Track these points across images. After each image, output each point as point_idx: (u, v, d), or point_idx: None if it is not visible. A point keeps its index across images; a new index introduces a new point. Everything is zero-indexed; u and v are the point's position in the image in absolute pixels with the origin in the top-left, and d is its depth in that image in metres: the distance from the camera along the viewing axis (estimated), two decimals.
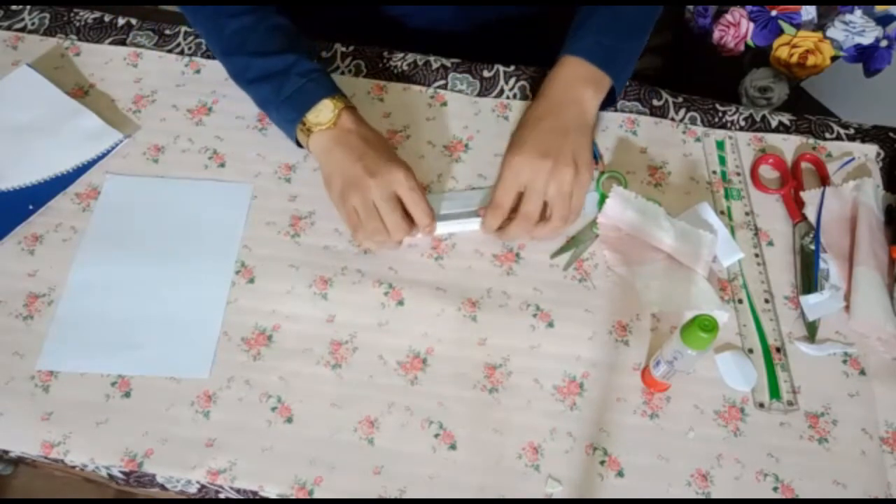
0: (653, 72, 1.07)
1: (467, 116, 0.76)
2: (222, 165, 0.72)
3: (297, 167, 0.72)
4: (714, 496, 0.59)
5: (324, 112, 0.65)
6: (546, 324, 0.65)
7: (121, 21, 0.80)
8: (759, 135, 0.76)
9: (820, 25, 0.85)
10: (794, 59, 0.85)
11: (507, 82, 0.78)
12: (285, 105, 0.66)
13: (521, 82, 0.78)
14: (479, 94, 0.77)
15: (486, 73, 0.78)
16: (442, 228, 0.68)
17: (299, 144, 0.69)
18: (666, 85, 0.78)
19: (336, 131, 0.65)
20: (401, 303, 0.65)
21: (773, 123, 0.77)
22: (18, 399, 0.60)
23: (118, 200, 0.69)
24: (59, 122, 0.72)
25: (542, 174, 0.64)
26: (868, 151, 0.75)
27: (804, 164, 0.74)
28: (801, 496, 0.59)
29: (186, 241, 0.67)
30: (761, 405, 0.62)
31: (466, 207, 0.69)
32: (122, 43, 0.78)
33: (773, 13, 0.85)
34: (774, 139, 0.76)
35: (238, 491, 0.59)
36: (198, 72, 0.77)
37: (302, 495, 0.58)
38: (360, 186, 0.63)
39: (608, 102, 0.72)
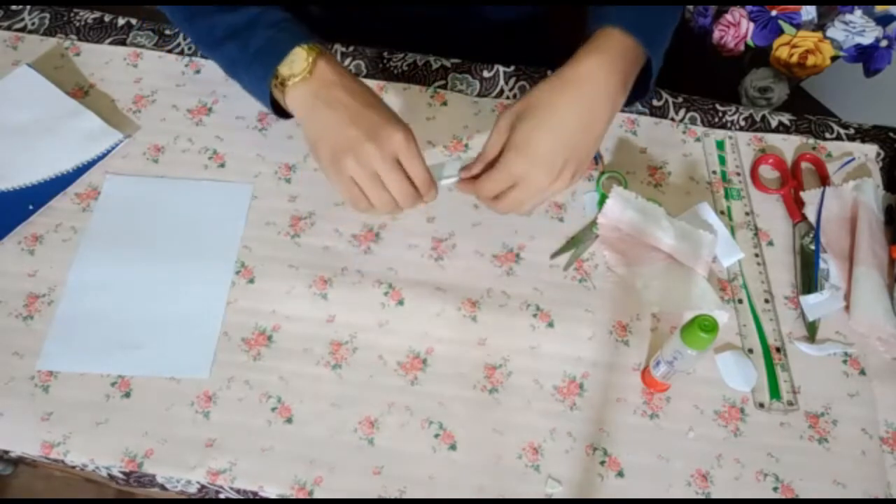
0: None
1: (467, 116, 0.76)
2: (222, 165, 0.72)
3: (297, 167, 0.72)
4: (714, 496, 0.59)
5: (297, 62, 0.58)
6: (546, 324, 0.65)
7: (121, 21, 0.80)
8: (759, 135, 0.76)
9: (820, 25, 0.85)
10: (794, 59, 0.86)
11: (507, 82, 0.78)
12: (255, 62, 0.59)
13: (521, 82, 0.78)
14: (479, 95, 0.77)
15: (486, 73, 0.78)
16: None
17: (278, 112, 0.63)
18: (666, 85, 0.78)
19: (314, 83, 0.58)
20: (401, 303, 0.65)
21: (773, 123, 0.77)
22: (18, 399, 0.60)
23: (118, 200, 0.69)
24: (59, 122, 0.72)
25: (536, 189, 0.58)
26: (868, 151, 0.75)
27: (804, 164, 0.74)
28: (801, 496, 0.59)
29: (186, 241, 0.67)
30: (761, 405, 0.62)
31: (451, 172, 0.64)
32: (122, 43, 0.78)
33: (773, 13, 0.85)
34: (774, 139, 0.76)
35: (238, 491, 0.59)
36: (198, 72, 0.77)
37: (302, 495, 0.58)
38: (357, 153, 0.55)
39: (642, 90, 0.63)
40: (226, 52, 0.62)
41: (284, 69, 0.58)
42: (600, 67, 0.58)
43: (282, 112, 0.64)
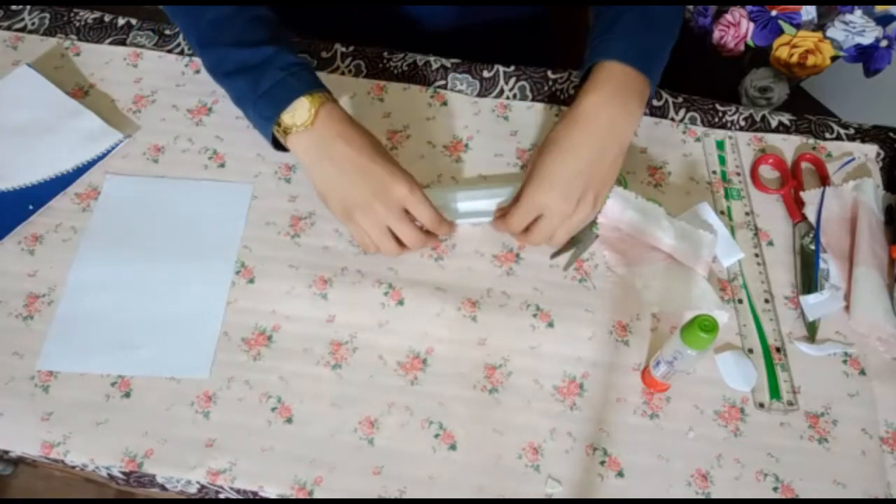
0: None
1: (467, 116, 0.76)
2: (222, 165, 0.72)
3: (297, 167, 0.72)
4: (714, 496, 0.59)
5: (299, 112, 0.60)
6: (546, 324, 0.65)
7: (121, 21, 0.80)
8: (759, 135, 0.76)
9: (820, 25, 0.85)
10: (794, 59, 0.86)
11: (507, 82, 0.78)
12: (262, 101, 0.61)
13: (521, 82, 0.78)
14: (479, 94, 0.77)
15: (486, 73, 0.78)
16: (459, 221, 0.68)
17: (278, 146, 0.65)
18: (666, 85, 0.78)
19: (316, 134, 0.61)
20: (401, 303, 0.65)
21: (773, 123, 0.77)
22: (18, 399, 0.60)
23: (118, 200, 0.69)
24: (59, 122, 0.72)
25: (560, 216, 0.62)
26: (868, 151, 0.75)
27: (804, 164, 0.74)
28: (801, 496, 0.59)
29: (186, 241, 0.67)
30: (761, 405, 0.62)
31: (483, 204, 0.69)
32: (122, 43, 0.78)
33: (773, 13, 0.85)
34: (774, 139, 0.76)
35: (238, 491, 0.59)
36: (198, 72, 0.77)
37: (302, 495, 0.58)
38: (366, 211, 0.60)
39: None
40: (237, 86, 0.64)
41: (287, 118, 0.61)
42: (603, 105, 0.62)
43: (279, 146, 0.65)
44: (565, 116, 0.64)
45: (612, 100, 0.62)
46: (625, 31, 0.64)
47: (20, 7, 0.80)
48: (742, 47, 0.88)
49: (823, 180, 0.73)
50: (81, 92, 0.75)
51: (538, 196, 0.62)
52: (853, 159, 0.74)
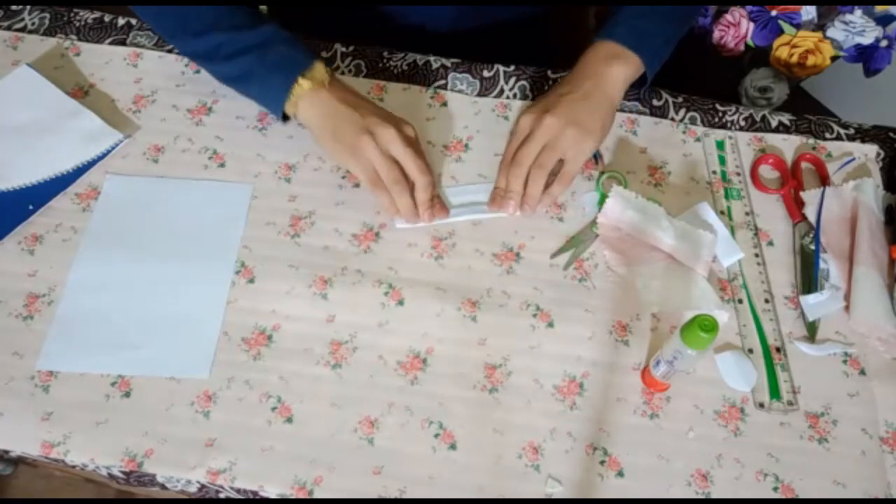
0: None
1: (467, 116, 0.76)
2: (222, 165, 0.72)
3: (297, 167, 0.72)
4: (714, 496, 0.59)
5: (318, 70, 0.66)
6: (546, 324, 0.65)
7: (121, 21, 0.80)
8: (759, 135, 0.76)
9: (820, 25, 0.85)
10: (794, 59, 0.86)
11: (507, 82, 0.78)
12: (274, 72, 0.66)
13: (521, 82, 0.78)
14: (479, 94, 0.77)
15: (486, 73, 0.78)
16: (454, 216, 0.69)
17: (281, 116, 0.68)
18: (666, 85, 0.78)
19: (326, 95, 0.66)
20: (401, 303, 0.65)
21: (773, 123, 0.77)
22: (18, 399, 0.60)
23: (118, 200, 0.69)
24: (59, 122, 0.72)
25: (552, 129, 0.66)
26: (868, 151, 0.75)
27: (804, 164, 0.74)
28: (801, 496, 0.59)
29: (186, 241, 0.67)
30: (761, 405, 0.62)
31: (473, 199, 0.70)
32: (122, 43, 0.78)
33: (773, 13, 0.85)
34: (774, 139, 0.76)
35: (238, 491, 0.59)
36: (198, 72, 0.77)
37: (302, 495, 0.58)
38: (376, 134, 0.64)
39: (639, 84, 0.71)
40: (240, 65, 0.67)
41: (307, 76, 0.65)
42: (587, 65, 0.69)
43: (281, 114, 0.68)
44: (565, 78, 0.71)
45: (595, 63, 0.69)
46: (625, 16, 0.70)
47: (20, 7, 0.80)
48: (742, 47, 0.88)
49: (823, 180, 0.73)
50: (81, 92, 0.75)
51: (525, 115, 0.68)
52: (853, 159, 0.74)
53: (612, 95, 0.68)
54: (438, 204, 0.68)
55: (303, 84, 0.65)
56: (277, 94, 0.66)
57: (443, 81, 0.78)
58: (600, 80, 0.67)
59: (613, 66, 0.68)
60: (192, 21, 0.68)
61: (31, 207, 0.68)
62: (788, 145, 0.76)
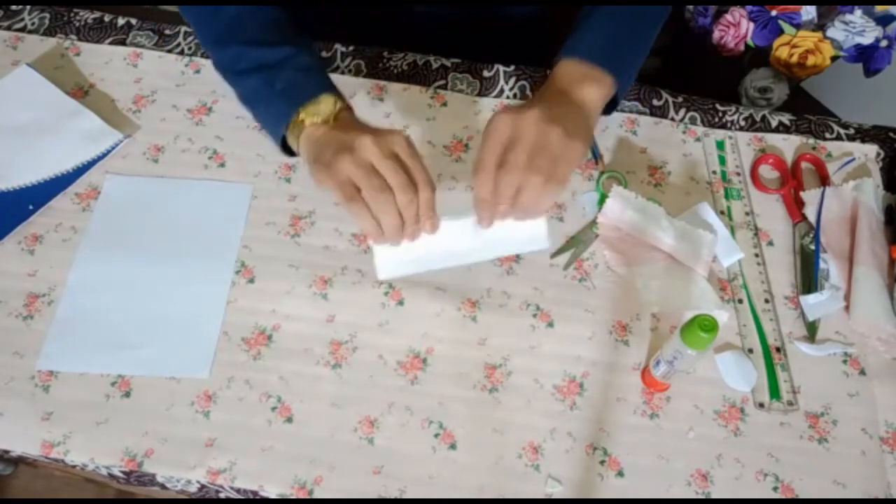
0: (653, 72, 1.07)
1: (467, 116, 0.76)
2: (222, 165, 0.72)
3: (297, 167, 0.72)
4: (714, 496, 0.59)
5: (324, 105, 0.58)
6: (546, 324, 0.65)
7: (121, 21, 0.80)
8: (759, 135, 0.76)
9: (820, 25, 0.85)
10: (794, 59, 0.86)
11: (507, 82, 0.78)
12: (278, 98, 0.59)
13: (521, 82, 0.78)
14: (479, 94, 0.77)
15: (486, 73, 0.78)
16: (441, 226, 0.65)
17: (285, 149, 0.62)
18: (666, 85, 0.78)
19: (332, 127, 0.58)
20: (401, 303, 0.65)
21: (773, 123, 0.77)
22: (18, 399, 0.60)
23: (118, 200, 0.69)
24: (59, 122, 0.72)
25: (528, 125, 0.55)
26: (868, 151, 0.75)
27: (804, 164, 0.74)
28: (801, 496, 0.59)
29: (186, 241, 0.67)
30: (761, 405, 0.62)
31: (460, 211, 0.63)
32: (122, 43, 0.78)
33: (773, 13, 0.85)
34: (774, 139, 0.76)
35: (238, 491, 0.59)
36: (198, 72, 0.77)
37: (302, 495, 0.58)
38: (355, 148, 0.54)
39: (610, 106, 0.64)
40: (250, 84, 0.62)
41: (311, 107, 0.58)
42: (553, 96, 0.59)
43: (287, 150, 0.63)
44: (537, 95, 0.61)
45: (567, 87, 0.59)
46: (589, 28, 0.62)
47: (20, 7, 0.80)
48: (742, 47, 0.88)
49: (823, 180, 0.73)
50: (81, 92, 0.75)
51: (501, 116, 0.56)
52: (853, 159, 0.74)
53: (590, 115, 0.60)
54: (429, 222, 0.57)
55: (302, 117, 0.58)
56: (279, 122, 0.60)
57: (443, 81, 0.78)
58: (579, 102, 0.60)
59: (591, 87, 0.60)
60: (221, 26, 0.63)
61: (31, 207, 0.68)
62: (788, 145, 0.75)
